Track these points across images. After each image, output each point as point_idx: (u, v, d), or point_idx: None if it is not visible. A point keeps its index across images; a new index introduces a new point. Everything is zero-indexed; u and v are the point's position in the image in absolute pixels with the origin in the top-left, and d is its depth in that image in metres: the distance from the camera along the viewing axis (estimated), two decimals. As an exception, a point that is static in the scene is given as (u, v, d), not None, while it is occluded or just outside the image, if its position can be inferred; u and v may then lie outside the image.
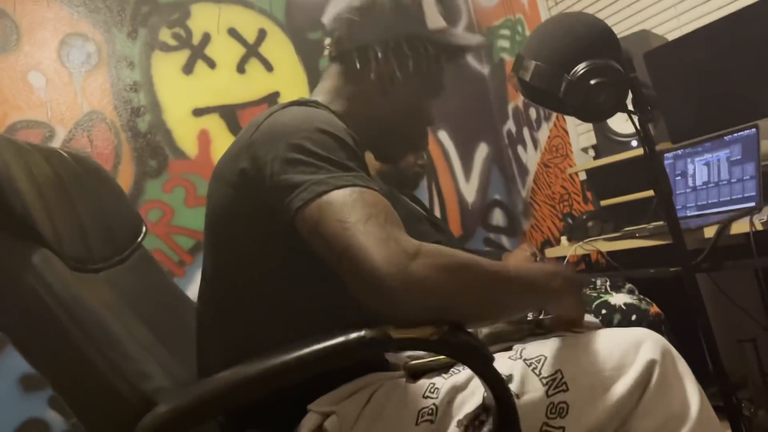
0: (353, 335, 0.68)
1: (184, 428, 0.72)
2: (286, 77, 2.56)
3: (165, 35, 2.37)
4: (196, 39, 2.42)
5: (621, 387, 0.78)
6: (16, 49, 2.12)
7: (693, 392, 0.79)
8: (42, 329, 0.77)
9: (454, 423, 0.78)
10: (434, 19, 1.05)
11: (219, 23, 2.45)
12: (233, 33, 2.49)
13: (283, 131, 0.84)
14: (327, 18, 1.08)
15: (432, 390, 0.82)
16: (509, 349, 0.87)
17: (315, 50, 2.64)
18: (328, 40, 1.06)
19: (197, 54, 2.42)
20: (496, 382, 0.72)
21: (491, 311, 0.79)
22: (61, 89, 2.17)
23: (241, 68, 2.47)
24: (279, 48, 2.56)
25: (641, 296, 1.54)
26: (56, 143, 2.13)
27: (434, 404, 0.80)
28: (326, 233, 0.74)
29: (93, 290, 0.85)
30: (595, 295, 1.58)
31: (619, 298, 1.52)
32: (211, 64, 2.43)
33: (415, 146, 1.12)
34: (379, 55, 0.99)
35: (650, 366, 0.79)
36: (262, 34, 2.53)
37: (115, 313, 0.85)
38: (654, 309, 1.49)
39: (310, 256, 0.79)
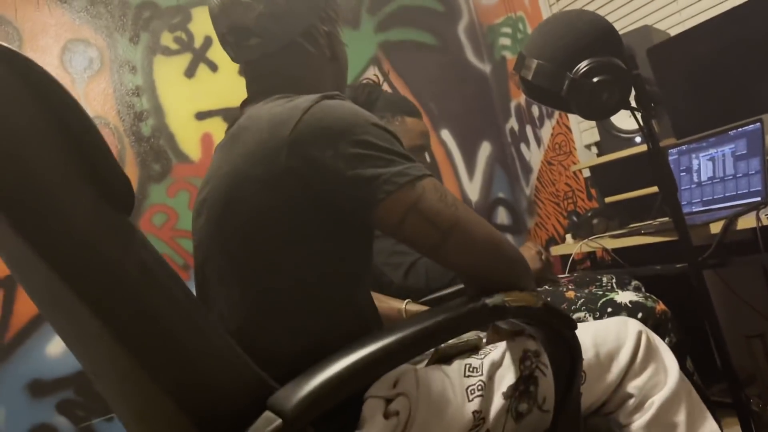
0: (478, 304, 0.75)
1: (324, 408, 0.66)
2: (288, 79, 2.55)
3: (167, 39, 2.37)
4: (197, 42, 2.42)
5: (623, 356, 0.94)
6: (19, 56, 2.12)
7: (671, 360, 0.96)
8: (160, 307, 0.67)
9: (498, 395, 0.86)
10: None
11: (220, 26, 2.45)
12: (234, 36, 2.49)
13: (335, 127, 0.83)
14: (237, 22, 0.98)
15: (470, 369, 0.88)
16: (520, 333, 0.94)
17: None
18: (255, 41, 0.99)
19: (199, 57, 2.42)
20: (575, 346, 0.82)
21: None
22: (64, 95, 2.17)
23: (242, 71, 2.47)
24: (280, 50, 2.56)
25: (647, 294, 1.53)
26: (60, 149, 2.13)
27: (481, 381, 0.86)
28: (430, 212, 0.82)
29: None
30: (600, 293, 1.57)
31: (624, 296, 1.51)
32: (213, 67, 2.43)
33: None
34: (325, 29, 1.02)
35: (639, 336, 0.96)
36: (263, 37, 2.53)
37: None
38: (660, 306, 1.48)
39: (365, 246, 0.94)
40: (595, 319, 1.51)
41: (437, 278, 1.61)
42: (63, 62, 2.19)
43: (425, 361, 0.95)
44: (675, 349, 1.02)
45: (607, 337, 0.96)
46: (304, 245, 0.87)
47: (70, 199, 0.65)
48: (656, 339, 0.99)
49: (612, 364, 0.94)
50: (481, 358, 0.90)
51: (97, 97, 2.22)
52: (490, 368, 0.88)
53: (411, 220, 0.81)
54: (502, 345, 0.92)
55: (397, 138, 0.88)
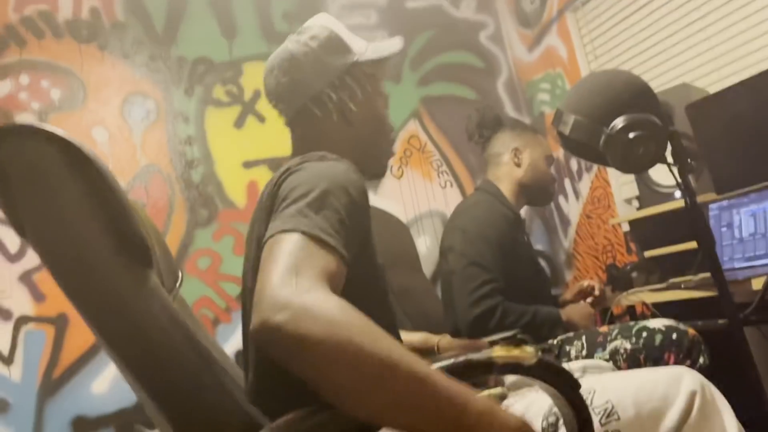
0: (461, 359, 0.70)
1: None
2: (332, 131, 2.65)
3: (219, 92, 2.50)
4: (247, 95, 2.55)
5: (670, 418, 0.83)
6: (83, 107, 2.27)
7: (731, 424, 0.84)
8: (158, 349, 0.77)
9: None
10: (352, 40, 1.16)
11: (269, 81, 2.58)
12: (282, 89, 2.61)
13: (297, 187, 0.84)
14: (268, 88, 1.21)
15: None
16: None
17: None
18: (280, 105, 1.17)
19: (248, 109, 2.54)
20: (580, 406, 0.76)
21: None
22: (122, 144, 2.30)
23: (289, 122, 2.57)
24: (325, 103, 2.67)
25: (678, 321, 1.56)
26: (115, 194, 2.24)
27: None
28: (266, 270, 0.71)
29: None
30: (633, 323, 1.60)
31: (657, 322, 1.56)
32: (261, 118, 2.55)
33: (389, 153, 1.22)
34: (333, 96, 1.11)
35: (692, 397, 0.85)
36: (309, 90, 2.64)
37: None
38: (692, 331, 1.51)
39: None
40: (632, 345, 1.52)
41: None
42: (122, 113, 2.33)
43: None
44: (703, 371, 0.98)
45: (653, 393, 0.85)
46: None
47: (97, 251, 0.75)
48: (717, 399, 0.87)
49: (655, 426, 0.83)
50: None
51: (152, 145, 2.35)
52: None
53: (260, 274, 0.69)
54: (529, 396, 0.89)
55: (358, 196, 0.85)
